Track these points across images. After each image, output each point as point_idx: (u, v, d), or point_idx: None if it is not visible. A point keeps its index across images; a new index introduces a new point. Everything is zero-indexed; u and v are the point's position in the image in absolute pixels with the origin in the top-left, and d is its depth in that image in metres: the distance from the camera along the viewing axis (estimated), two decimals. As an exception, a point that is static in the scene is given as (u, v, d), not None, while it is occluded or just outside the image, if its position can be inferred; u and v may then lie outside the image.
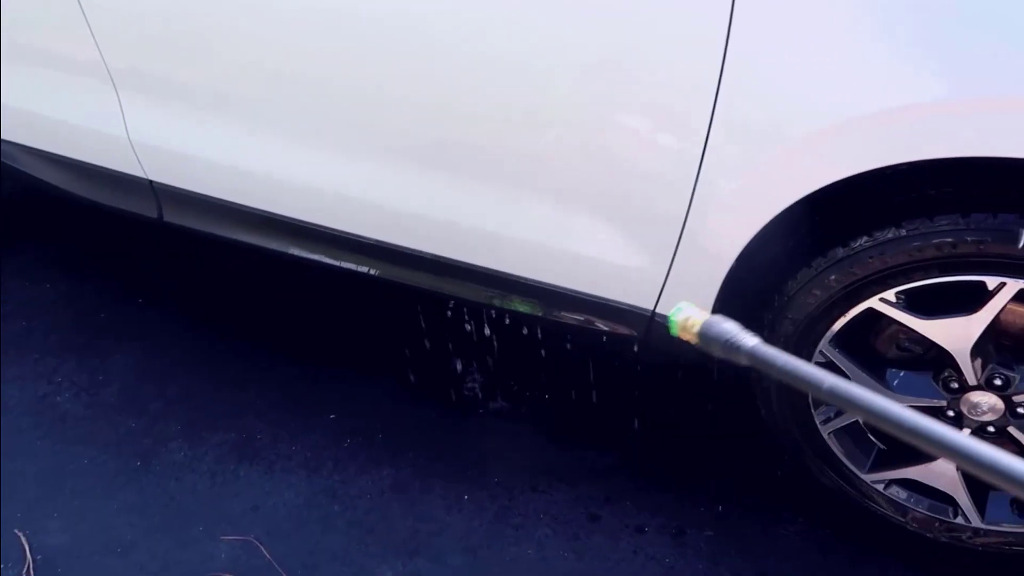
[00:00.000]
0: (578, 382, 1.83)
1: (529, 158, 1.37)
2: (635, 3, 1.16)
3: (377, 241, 1.60)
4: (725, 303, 1.38)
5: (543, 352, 1.87)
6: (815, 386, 0.68)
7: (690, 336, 0.76)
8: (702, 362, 1.49)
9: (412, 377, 1.85)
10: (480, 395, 1.81)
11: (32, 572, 1.48)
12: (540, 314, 1.57)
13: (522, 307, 1.58)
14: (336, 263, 1.69)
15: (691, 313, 0.78)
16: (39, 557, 1.51)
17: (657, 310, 1.46)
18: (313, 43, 1.41)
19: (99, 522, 1.57)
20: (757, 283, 1.38)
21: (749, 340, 0.73)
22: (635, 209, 1.35)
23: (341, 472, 1.65)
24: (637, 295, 1.46)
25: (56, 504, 1.60)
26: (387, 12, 1.32)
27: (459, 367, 1.88)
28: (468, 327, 1.93)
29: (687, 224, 1.31)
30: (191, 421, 1.75)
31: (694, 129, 1.21)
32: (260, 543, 1.52)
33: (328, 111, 1.49)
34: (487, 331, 1.92)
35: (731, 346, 0.73)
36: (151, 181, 1.77)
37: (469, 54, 1.30)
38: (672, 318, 0.77)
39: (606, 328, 1.56)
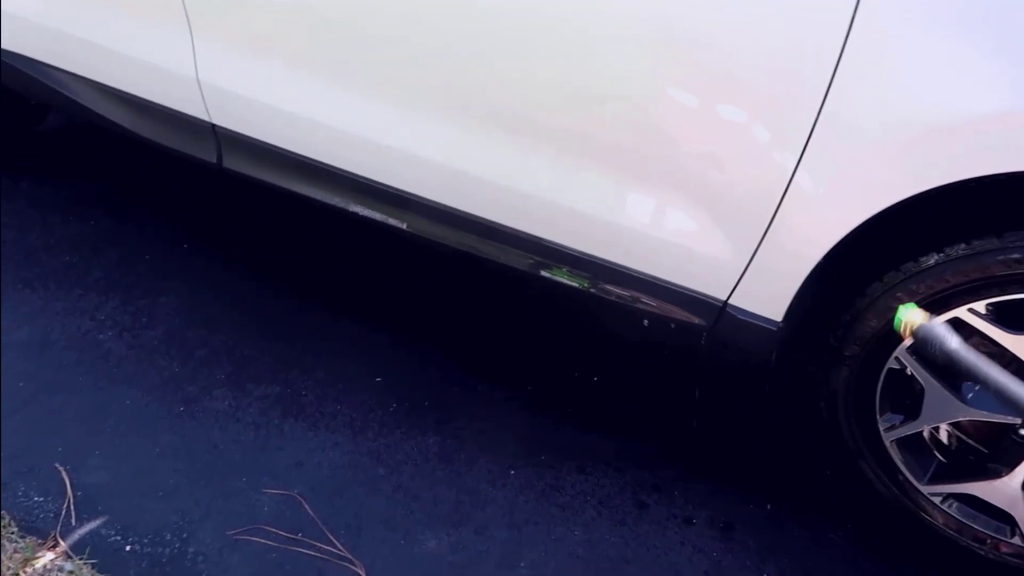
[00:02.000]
0: (630, 367, 1.81)
1: (615, 134, 1.35)
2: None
3: (442, 205, 1.57)
4: (802, 300, 1.36)
5: (596, 334, 1.85)
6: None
7: (908, 332, 0.87)
8: (764, 359, 1.48)
9: (462, 349, 1.82)
10: (529, 374, 1.79)
11: (73, 507, 1.47)
12: (590, 288, 1.55)
13: (572, 280, 1.56)
14: (398, 224, 1.66)
15: (916, 315, 0.90)
16: (79, 493, 1.49)
17: (730, 302, 1.43)
18: (395, 4, 1.38)
19: (141, 464, 1.55)
20: (840, 283, 1.35)
21: (955, 342, 0.84)
22: (722, 197, 1.33)
23: (386, 436, 1.63)
24: (710, 284, 1.44)
25: (97, 442, 1.58)
26: None
27: (510, 345, 1.85)
28: (519, 304, 1.90)
29: (776, 219, 1.29)
30: (236, 371, 1.73)
31: (798, 123, 1.19)
32: (303, 499, 1.50)
33: (404, 69, 1.46)
34: (538, 309, 1.90)
35: (942, 347, 0.84)
36: (214, 125, 1.74)
37: (568, 28, 1.27)
38: (900, 316, 0.89)
39: (670, 314, 1.53)
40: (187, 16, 1.60)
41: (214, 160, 1.81)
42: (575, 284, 1.56)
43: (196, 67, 1.66)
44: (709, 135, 1.28)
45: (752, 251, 1.35)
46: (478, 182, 1.51)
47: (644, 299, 1.52)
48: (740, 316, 1.44)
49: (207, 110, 1.72)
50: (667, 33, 1.22)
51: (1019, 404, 0.79)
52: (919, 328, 0.88)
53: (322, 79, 1.55)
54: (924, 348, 0.87)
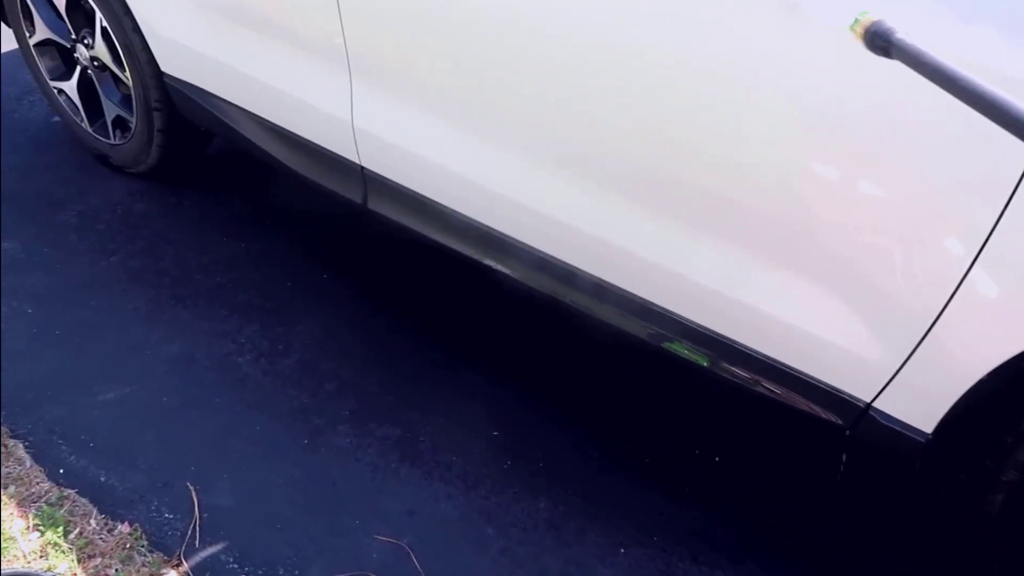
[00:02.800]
0: (756, 448, 1.72)
1: (765, 214, 1.28)
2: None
3: (576, 268, 1.56)
4: (962, 412, 1.24)
5: (725, 412, 1.78)
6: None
7: (860, 31, 0.78)
8: (907, 468, 1.37)
9: (582, 413, 1.79)
10: (647, 445, 1.73)
11: (199, 529, 1.54)
12: (711, 368, 1.48)
13: (693, 356, 1.49)
14: (532, 284, 1.66)
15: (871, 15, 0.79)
16: (206, 515, 1.56)
17: (875, 404, 1.33)
18: (553, 66, 1.37)
19: (264, 492, 1.60)
20: (1008, 397, 1.23)
21: (901, 36, 0.75)
22: (876, 290, 1.24)
23: (498, 494, 1.62)
24: (852, 382, 1.35)
25: (227, 464, 1.65)
26: (626, 50, 1.26)
27: (630, 413, 1.81)
28: (640, 374, 1.85)
29: (939, 323, 1.19)
30: (360, 408, 1.77)
31: (980, 213, 1.09)
32: (411, 550, 1.51)
33: (553, 132, 1.45)
34: (659, 380, 1.84)
35: (888, 41, 0.75)
36: (363, 168, 1.79)
37: (723, 103, 1.23)
38: (857, 17, 0.79)
39: (796, 404, 1.45)
40: (348, 63, 1.66)
41: (359, 200, 1.87)
42: (696, 360, 1.50)
43: (352, 112, 1.71)
44: (868, 221, 1.19)
45: (907, 354, 1.25)
46: (622, 253, 1.47)
47: (767, 384, 1.44)
48: (884, 421, 1.33)
49: (358, 153, 1.77)
50: (830, 110, 1.15)
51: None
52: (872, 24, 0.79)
53: (475, 137, 1.56)
54: (873, 45, 0.78)
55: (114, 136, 2.36)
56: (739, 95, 1.21)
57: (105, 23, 2.12)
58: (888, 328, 1.24)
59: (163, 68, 2.07)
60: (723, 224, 1.33)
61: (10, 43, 2.78)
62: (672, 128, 1.30)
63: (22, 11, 2.32)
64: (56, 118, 2.57)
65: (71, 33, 2.26)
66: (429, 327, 1.98)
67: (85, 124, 2.40)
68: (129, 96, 2.23)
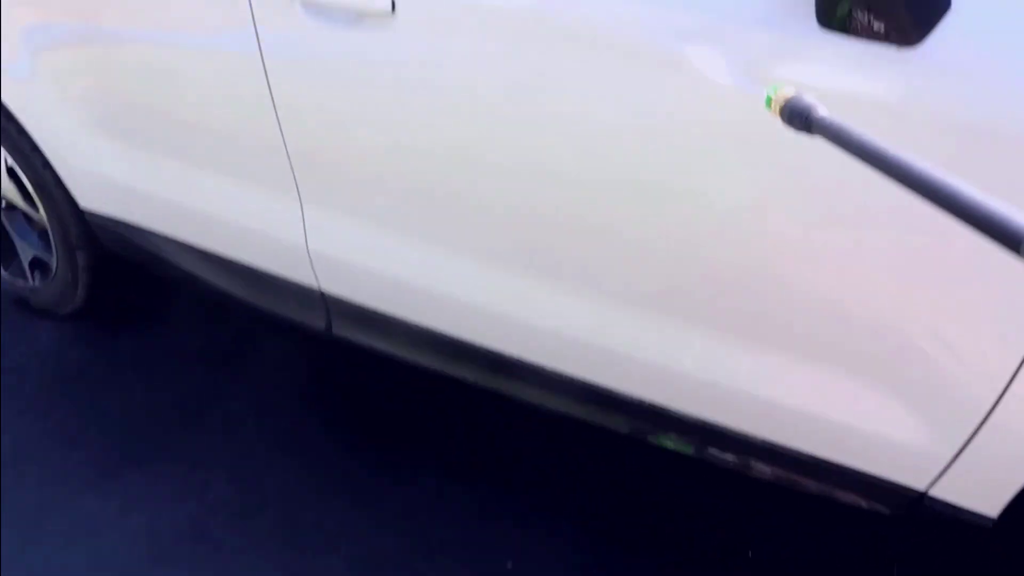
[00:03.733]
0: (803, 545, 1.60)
1: (801, 312, 1.17)
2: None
3: (573, 377, 1.43)
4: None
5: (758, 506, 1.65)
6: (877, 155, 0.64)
7: (777, 109, 0.74)
8: (973, 550, 1.27)
9: (602, 533, 1.64)
10: (675, 540, 1.59)
11: None
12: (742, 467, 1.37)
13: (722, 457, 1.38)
14: (526, 398, 1.52)
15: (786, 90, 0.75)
16: None
17: (930, 492, 1.23)
18: (517, 179, 1.26)
19: None
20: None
21: (822, 112, 0.71)
22: (926, 383, 1.13)
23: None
24: (904, 471, 1.24)
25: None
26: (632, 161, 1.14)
27: (661, 533, 1.66)
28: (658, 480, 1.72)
29: (996, 410, 1.09)
30: (356, 560, 1.58)
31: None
32: None
33: (505, 233, 1.34)
34: (676, 488, 1.71)
35: (808, 118, 0.71)
36: (323, 292, 1.63)
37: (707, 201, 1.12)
38: (770, 94, 0.75)
39: (850, 501, 1.34)
40: (298, 188, 1.51)
41: (323, 327, 1.70)
42: (724, 462, 1.38)
43: (306, 236, 1.56)
44: (912, 307, 1.09)
45: (962, 443, 1.14)
46: (623, 358, 1.35)
47: (807, 480, 1.33)
48: (943, 509, 1.23)
49: (316, 277, 1.61)
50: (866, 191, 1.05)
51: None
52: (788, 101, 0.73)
53: (441, 249, 1.43)
54: (791, 121, 0.72)
55: (33, 278, 2.14)
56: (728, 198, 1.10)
57: (11, 162, 1.92)
58: (942, 420, 1.14)
59: (82, 204, 1.87)
60: (752, 325, 1.22)
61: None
62: (678, 226, 1.19)
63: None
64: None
65: (-28, 174, 2.05)
66: (411, 453, 1.81)
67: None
68: (46, 234, 2.03)
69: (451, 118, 1.26)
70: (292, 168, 1.48)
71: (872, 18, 0.91)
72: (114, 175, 1.75)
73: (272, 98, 1.40)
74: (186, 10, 1.44)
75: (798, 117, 0.72)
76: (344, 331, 1.68)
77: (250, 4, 1.33)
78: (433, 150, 1.31)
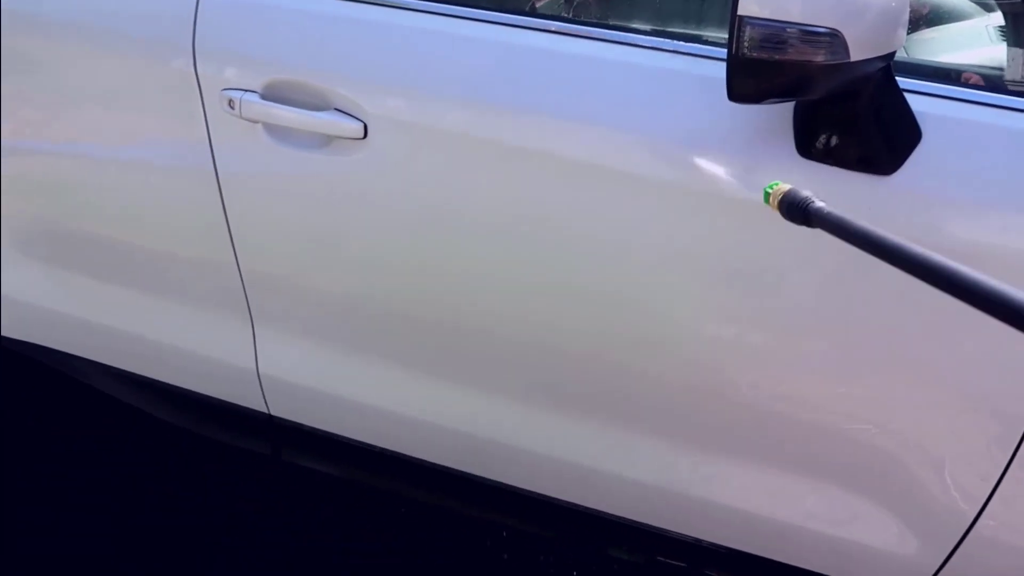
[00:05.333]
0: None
1: (792, 423, 1.18)
2: None
3: (543, 495, 1.38)
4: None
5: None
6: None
7: (775, 203, 0.76)
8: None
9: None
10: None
11: None
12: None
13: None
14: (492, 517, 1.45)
15: (782, 185, 0.77)
16: None
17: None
18: (508, 305, 1.25)
19: None
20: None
21: (818, 203, 0.73)
22: (909, 493, 1.15)
23: None
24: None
25: None
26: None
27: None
28: None
29: (982, 517, 1.11)
30: None
31: (1016, 412, 1.03)
32: None
33: (471, 352, 1.32)
34: None
35: (806, 210, 0.73)
36: (271, 416, 1.54)
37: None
38: (767, 190, 0.77)
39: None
40: (249, 308, 1.44)
41: (268, 452, 1.60)
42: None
43: (257, 359, 1.48)
44: (893, 414, 1.11)
45: (948, 551, 1.16)
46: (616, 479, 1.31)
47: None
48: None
49: (265, 402, 1.52)
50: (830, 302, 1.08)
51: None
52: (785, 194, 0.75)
53: (408, 372, 1.38)
54: (791, 214, 0.75)
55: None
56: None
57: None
58: (925, 528, 1.15)
59: (4, 332, 1.73)
60: (742, 438, 1.22)
61: None
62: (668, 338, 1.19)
63: None
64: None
65: None
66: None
67: None
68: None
69: (419, 243, 1.24)
70: (244, 289, 1.42)
71: (850, 149, 0.96)
72: (40, 300, 1.62)
73: (226, 218, 1.35)
74: (133, 126, 1.39)
75: (796, 209, 0.74)
76: (293, 456, 1.58)
77: (206, 123, 1.29)
78: (399, 273, 1.28)
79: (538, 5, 1.32)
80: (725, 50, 0.89)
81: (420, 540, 1.78)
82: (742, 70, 0.88)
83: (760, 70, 0.88)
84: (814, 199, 0.74)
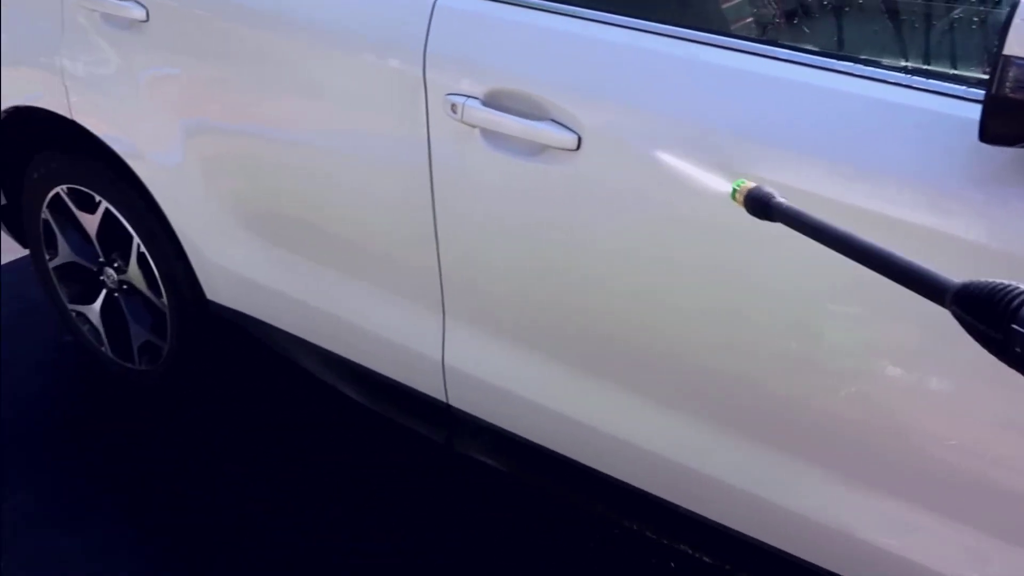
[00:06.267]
0: None
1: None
2: None
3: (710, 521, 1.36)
4: None
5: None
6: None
7: (741, 199, 0.80)
8: None
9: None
10: None
11: None
12: None
13: None
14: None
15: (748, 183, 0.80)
16: None
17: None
18: (717, 326, 1.24)
19: None
20: None
21: (779, 199, 0.77)
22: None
23: None
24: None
25: None
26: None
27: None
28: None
29: None
30: None
31: None
32: None
33: (682, 370, 1.31)
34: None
35: (768, 204, 0.77)
36: (450, 406, 1.61)
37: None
38: (735, 187, 0.81)
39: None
40: (443, 301, 1.51)
41: (442, 441, 1.68)
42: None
43: (443, 349, 1.55)
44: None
45: None
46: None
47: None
48: None
49: (446, 392, 1.60)
50: None
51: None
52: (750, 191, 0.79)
53: (598, 382, 1.40)
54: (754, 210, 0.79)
55: (140, 361, 2.15)
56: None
57: (143, 249, 1.96)
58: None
59: (209, 295, 1.90)
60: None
61: (12, 253, 2.63)
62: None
63: (45, 235, 2.16)
64: (68, 337, 2.36)
65: (99, 256, 2.10)
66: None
67: (107, 349, 2.19)
68: (161, 320, 2.05)
69: (622, 258, 1.26)
70: (441, 283, 1.49)
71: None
72: (250, 272, 1.78)
73: (434, 215, 1.42)
74: (356, 120, 1.49)
75: (758, 205, 0.78)
76: (466, 447, 1.65)
77: (427, 124, 1.37)
78: (600, 285, 1.31)
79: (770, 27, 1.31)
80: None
81: (428, 541, 1.80)
82: (1001, 111, 0.85)
83: (1021, 111, 0.84)
84: (775, 195, 0.78)
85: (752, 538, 1.32)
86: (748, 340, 1.21)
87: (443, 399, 1.61)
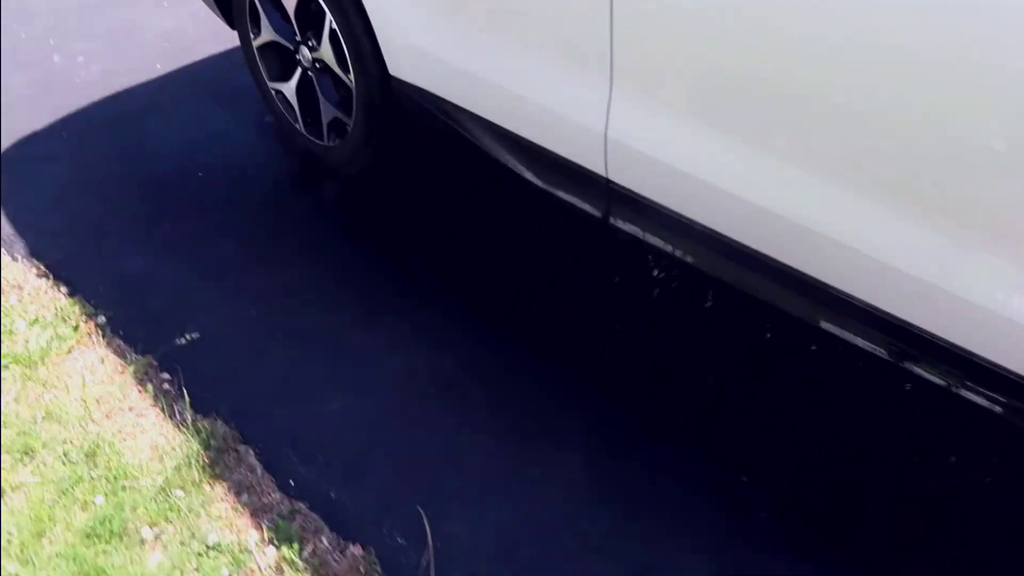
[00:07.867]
0: None
1: None
2: None
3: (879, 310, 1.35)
4: None
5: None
6: None
7: None
8: None
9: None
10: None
11: (432, 559, 1.45)
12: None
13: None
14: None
15: None
16: (439, 544, 1.47)
17: None
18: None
19: (498, 524, 1.50)
20: None
21: None
22: None
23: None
24: None
25: (459, 490, 1.56)
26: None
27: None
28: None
29: None
30: (593, 438, 1.64)
31: None
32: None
33: (854, 145, 1.28)
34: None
35: None
36: (609, 180, 1.67)
37: None
38: None
39: None
40: (612, 72, 1.54)
41: (600, 215, 1.75)
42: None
43: (607, 123, 1.59)
44: None
45: None
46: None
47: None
48: None
49: (606, 166, 1.65)
50: None
51: None
52: None
53: (766, 157, 1.39)
54: None
55: (328, 138, 2.34)
56: None
57: (335, 25, 2.09)
58: None
59: (391, 71, 2.02)
60: None
61: (221, 45, 2.87)
62: None
63: (250, 15, 2.34)
64: (268, 118, 2.59)
65: (296, 35, 2.26)
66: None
67: (300, 126, 2.40)
68: (348, 98, 2.21)
69: (796, 28, 1.22)
70: (612, 50, 1.51)
71: None
72: (433, 48, 1.86)
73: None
74: None
75: None
76: (622, 222, 1.71)
77: None
78: (776, 58, 1.27)
79: None
80: None
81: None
82: None
83: None
84: None
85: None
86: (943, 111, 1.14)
87: (603, 173, 1.66)
